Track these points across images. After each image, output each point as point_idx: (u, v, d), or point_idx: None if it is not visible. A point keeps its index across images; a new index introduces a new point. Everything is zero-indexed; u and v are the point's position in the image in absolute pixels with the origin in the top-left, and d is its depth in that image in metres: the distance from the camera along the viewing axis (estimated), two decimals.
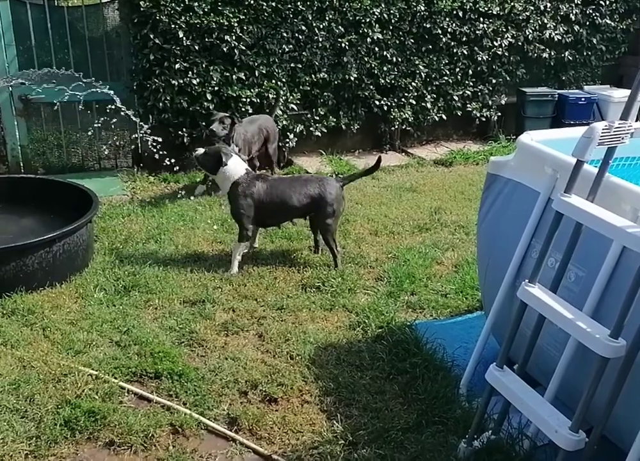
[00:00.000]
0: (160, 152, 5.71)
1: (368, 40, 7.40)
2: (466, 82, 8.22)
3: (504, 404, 2.93)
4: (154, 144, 5.62)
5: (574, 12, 8.50)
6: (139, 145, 7.02)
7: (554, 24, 8.46)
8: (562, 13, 8.46)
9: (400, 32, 7.61)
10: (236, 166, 4.83)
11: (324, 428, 3.19)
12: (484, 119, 8.47)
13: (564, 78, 8.90)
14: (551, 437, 2.54)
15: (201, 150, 4.91)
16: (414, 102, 7.91)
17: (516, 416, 3.01)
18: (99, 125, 6.07)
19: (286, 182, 4.96)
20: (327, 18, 7.15)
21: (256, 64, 6.91)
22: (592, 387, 2.40)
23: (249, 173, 4.87)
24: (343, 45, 7.29)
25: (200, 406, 3.31)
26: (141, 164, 6.87)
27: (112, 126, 6.29)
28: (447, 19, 7.76)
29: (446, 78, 8.04)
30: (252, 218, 4.77)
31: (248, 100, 6.88)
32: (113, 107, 5.62)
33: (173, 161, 5.98)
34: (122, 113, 5.58)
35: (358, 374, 3.60)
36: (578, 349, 2.67)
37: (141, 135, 6.04)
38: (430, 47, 7.84)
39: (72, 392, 3.33)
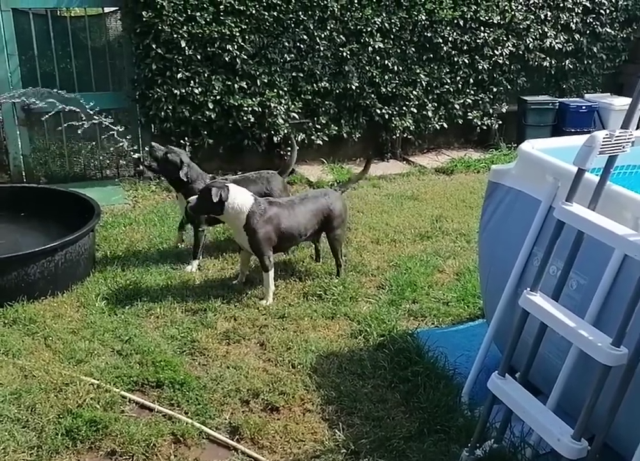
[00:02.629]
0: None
1: (370, 49, 7.43)
2: (467, 90, 8.24)
3: (506, 412, 2.92)
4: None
5: (574, 21, 8.53)
6: (141, 153, 7.04)
7: (555, 33, 8.49)
8: (562, 22, 8.49)
9: (402, 41, 7.64)
10: (240, 196, 4.41)
11: (325, 437, 3.18)
12: (485, 127, 8.49)
13: (564, 86, 8.92)
14: (553, 446, 2.53)
15: (194, 199, 4.41)
16: (415, 111, 7.93)
17: (518, 424, 3.00)
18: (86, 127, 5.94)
19: (299, 203, 4.64)
20: (328, 27, 7.18)
21: (257, 73, 6.94)
22: (594, 395, 2.40)
23: (257, 199, 4.47)
24: (344, 54, 7.32)
25: (202, 416, 3.31)
26: (143, 173, 6.88)
27: (114, 135, 6.32)
28: (448, 28, 7.79)
29: (447, 86, 8.06)
30: (272, 244, 4.48)
31: (250, 109, 6.90)
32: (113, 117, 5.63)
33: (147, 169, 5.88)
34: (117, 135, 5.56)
35: (360, 382, 3.59)
36: (580, 357, 2.67)
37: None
38: (431, 55, 7.86)
39: (74, 401, 3.32)
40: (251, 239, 4.43)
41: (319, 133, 7.51)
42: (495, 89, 8.41)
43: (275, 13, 6.85)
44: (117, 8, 6.78)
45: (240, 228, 4.44)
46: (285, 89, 7.16)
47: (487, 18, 7.95)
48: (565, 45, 8.59)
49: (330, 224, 4.75)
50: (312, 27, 7.08)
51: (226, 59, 6.72)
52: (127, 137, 5.92)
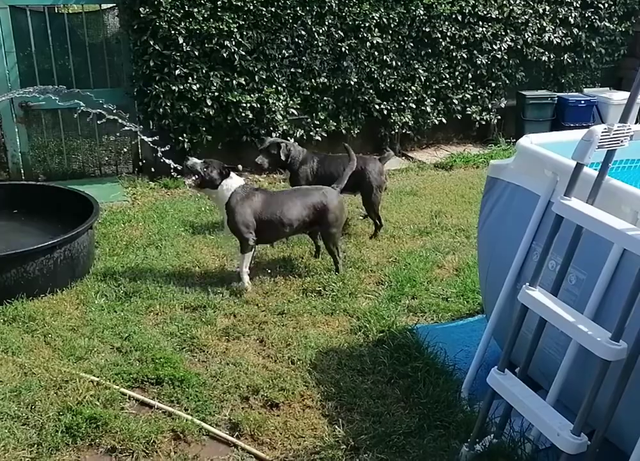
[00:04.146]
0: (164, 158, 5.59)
1: (368, 44, 7.42)
2: (466, 85, 8.23)
3: (506, 407, 2.93)
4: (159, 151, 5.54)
5: (573, 15, 8.53)
6: (140, 151, 7.03)
7: (553, 27, 8.48)
8: (561, 16, 8.48)
9: (400, 37, 7.63)
10: (234, 178, 4.64)
11: (325, 433, 3.18)
12: (484, 122, 8.49)
13: (563, 81, 8.91)
14: (553, 441, 2.53)
15: (196, 160, 4.62)
16: (414, 106, 7.92)
17: (518, 419, 3.00)
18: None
19: (286, 194, 4.79)
20: (326, 23, 7.17)
21: (256, 69, 6.93)
22: (593, 389, 2.40)
23: (247, 183, 4.75)
24: (343, 49, 7.31)
25: (202, 412, 3.31)
26: (142, 170, 6.87)
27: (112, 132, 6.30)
28: (446, 23, 7.78)
29: (446, 82, 8.06)
30: (252, 227, 4.57)
31: (248, 105, 6.89)
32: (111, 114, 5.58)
33: (178, 167, 5.92)
34: (122, 123, 5.53)
35: (360, 378, 3.59)
36: (580, 352, 2.67)
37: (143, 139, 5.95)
38: (429, 50, 7.86)
39: (73, 398, 3.32)
40: (230, 217, 4.57)
41: (317, 129, 7.50)
42: (493, 84, 8.41)
43: (273, 9, 6.84)
44: (114, 5, 6.76)
45: (223, 207, 4.60)
46: (284, 85, 7.15)
47: (485, 12, 7.94)
48: (564, 39, 8.59)
49: (323, 220, 4.74)
50: (310, 23, 7.07)
51: (224, 55, 6.71)
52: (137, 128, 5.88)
